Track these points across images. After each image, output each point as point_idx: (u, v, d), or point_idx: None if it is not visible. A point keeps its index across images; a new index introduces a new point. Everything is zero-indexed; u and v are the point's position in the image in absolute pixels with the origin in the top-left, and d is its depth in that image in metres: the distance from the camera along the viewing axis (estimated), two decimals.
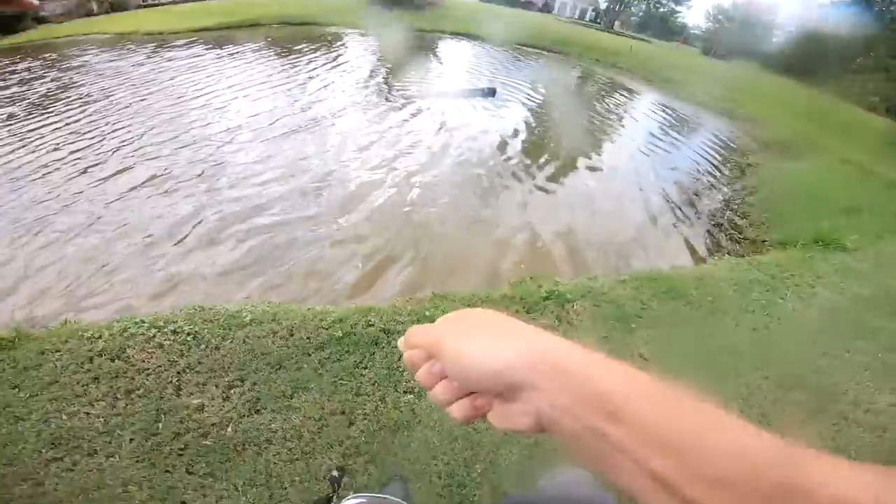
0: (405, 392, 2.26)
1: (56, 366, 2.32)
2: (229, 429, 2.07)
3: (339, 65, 9.97)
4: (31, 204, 4.22)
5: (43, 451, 1.94)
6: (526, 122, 7.74)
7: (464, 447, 2.06)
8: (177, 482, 1.87)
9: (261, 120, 6.20)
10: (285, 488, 1.87)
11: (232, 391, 2.23)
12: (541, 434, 0.35)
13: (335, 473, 1.35)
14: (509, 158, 6.02)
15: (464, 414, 0.40)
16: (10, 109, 6.49)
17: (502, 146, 6.41)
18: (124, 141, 5.44)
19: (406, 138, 6.15)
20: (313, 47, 11.36)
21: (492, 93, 8.74)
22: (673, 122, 9.88)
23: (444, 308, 2.74)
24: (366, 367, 2.37)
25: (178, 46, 10.88)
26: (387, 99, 7.64)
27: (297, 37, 12.12)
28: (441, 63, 12.17)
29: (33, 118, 6.12)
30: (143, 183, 4.59)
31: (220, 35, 12.15)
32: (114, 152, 5.13)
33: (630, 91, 12.78)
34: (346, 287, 3.29)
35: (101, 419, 2.07)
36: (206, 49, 10.38)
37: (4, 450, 1.95)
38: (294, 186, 4.55)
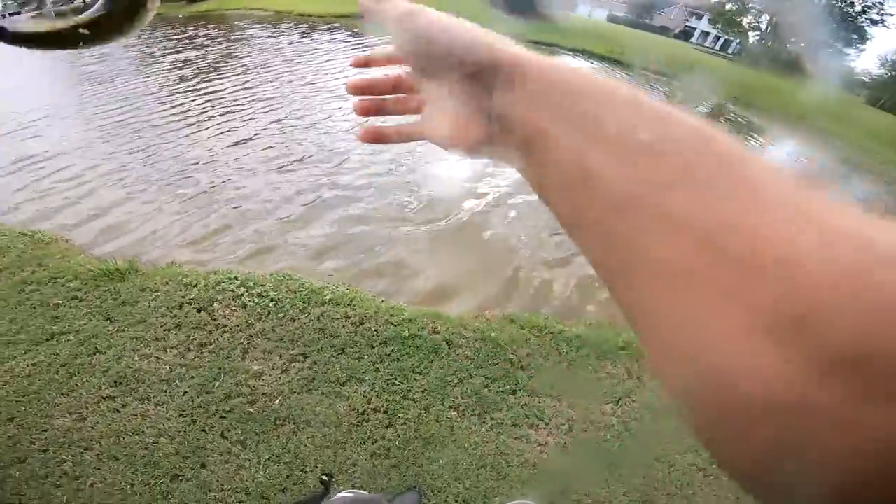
0: (450, 408, 2.11)
1: (149, 305, 2.43)
2: (277, 402, 2.03)
3: None
4: (182, 159, 4.59)
5: (103, 387, 2.01)
6: None
7: (490, 476, 1.89)
8: (207, 443, 1.85)
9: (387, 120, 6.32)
10: (305, 472, 1.80)
11: (292, 365, 2.20)
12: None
13: (324, 478, 1.24)
14: None
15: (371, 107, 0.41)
16: (182, 72, 7.29)
17: None
18: (271, 116, 5.71)
19: None
20: None
21: None
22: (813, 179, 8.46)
23: (511, 333, 2.53)
24: (420, 373, 2.25)
25: (326, 30, 11.52)
26: None
27: None
28: None
29: (201, 82, 6.79)
30: (277, 159, 4.76)
31: (357, 23, 12.75)
32: (261, 129, 5.39)
33: (767, 135, 11.31)
34: (424, 291, 3.18)
35: (168, 367, 2.12)
36: (349, 36, 10.88)
37: (70, 380, 2.04)
38: (404, 194, 4.49)
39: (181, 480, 1.73)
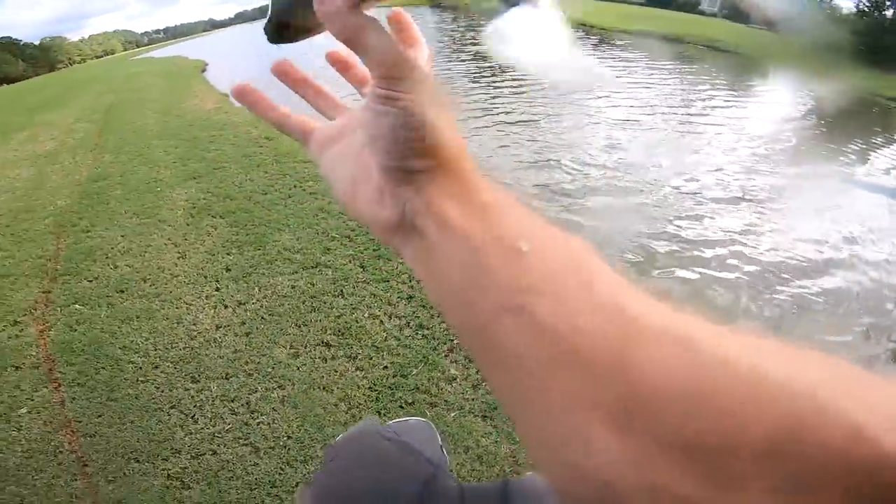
0: None
1: (396, 268, 2.36)
2: (452, 415, 1.68)
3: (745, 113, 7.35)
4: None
5: (327, 332, 1.96)
6: None
7: None
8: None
9: (642, 164, 4.43)
10: None
11: (484, 384, 1.81)
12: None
13: None
14: None
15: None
16: (479, 64, 7.61)
17: None
18: (534, 131, 5.11)
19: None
20: (725, 82, 9.02)
21: None
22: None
23: None
24: None
25: (619, 46, 10.42)
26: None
27: (722, 65, 9.98)
28: None
29: (484, 77, 6.90)
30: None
31: (645, 41, 11.17)
32: (534, 141, 4.88)
33: None
34: None
35: (384, 335, 1.96)
36: (642, 56, 9.63)
37: (309, 314, 2.04)
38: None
39: None
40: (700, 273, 2.90)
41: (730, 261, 2.98)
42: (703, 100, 7.23)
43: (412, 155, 0.23)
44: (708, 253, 3.04)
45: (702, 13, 21.91)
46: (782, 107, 7.36)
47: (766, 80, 9.33)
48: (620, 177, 4.06)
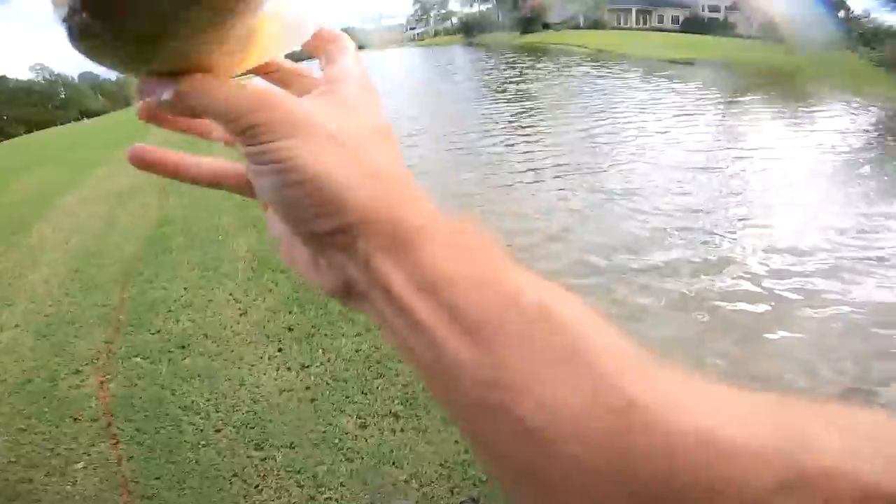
0: None
1: None
2: None
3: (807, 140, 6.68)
4: (520, 207, 4.21)
5: (395, 401, 1.86)
6: None
7: None
8: None
9: (713, 214, 4.01)
10: None
11: None
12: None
13: None
14: None
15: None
16: (524, 104, 7.54)
17: None
18: (588, 178, 4.84)
19: None
20: (786, 111, 8.35)
21: None
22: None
23: None
24: None
25: (667, 77, 9.92)
26: None
27: (778, 91, 9.37)
28: None
29: (543, 120, 6.83)
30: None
31: (691, 70, 10.69)
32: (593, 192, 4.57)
33: None
34: None
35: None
36: (693, 87, 9.21)
37: (375, 380, 1.95)
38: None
39: None
40: (798, 337, 2.58)
41: (829, 322, 2.66)
42: (768, 130, 6.79)
43: (314, 216, 0.19)
44: (804, 313, 2.72)
45: (739, 36, 21.41)
46: (851, 135, 6.80)
47: (827, 105, 8.66)
48: (689, 229, 3.77)
